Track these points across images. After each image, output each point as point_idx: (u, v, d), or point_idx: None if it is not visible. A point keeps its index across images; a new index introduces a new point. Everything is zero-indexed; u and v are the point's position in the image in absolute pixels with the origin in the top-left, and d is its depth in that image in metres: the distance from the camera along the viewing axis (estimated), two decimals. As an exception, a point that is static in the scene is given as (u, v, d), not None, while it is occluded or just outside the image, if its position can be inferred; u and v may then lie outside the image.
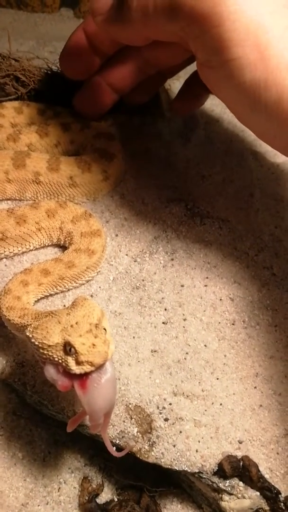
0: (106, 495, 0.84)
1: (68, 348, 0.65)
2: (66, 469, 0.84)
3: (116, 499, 0.83)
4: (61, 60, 1.15)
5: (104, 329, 0.68)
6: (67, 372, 0.66)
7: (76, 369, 0.64)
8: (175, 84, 1.54)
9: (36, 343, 0.68)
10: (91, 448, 0.86)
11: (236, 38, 0.74)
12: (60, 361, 0.66)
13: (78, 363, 0.64)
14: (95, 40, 1.07)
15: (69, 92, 1.22)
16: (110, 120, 1.30)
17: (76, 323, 0.67)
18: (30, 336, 0.69)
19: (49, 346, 0.66)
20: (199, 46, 0.80)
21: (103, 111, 1.22)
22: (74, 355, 0.65)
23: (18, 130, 1.17)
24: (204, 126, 1.45)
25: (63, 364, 0.66)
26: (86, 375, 0.65)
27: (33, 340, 0.68)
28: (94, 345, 0.64)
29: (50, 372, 0.67)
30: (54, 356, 0.66)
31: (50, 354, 0.66)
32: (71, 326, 0.67)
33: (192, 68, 1.23)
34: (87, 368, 0.64)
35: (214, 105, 1.52)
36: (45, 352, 0.67)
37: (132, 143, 1.30)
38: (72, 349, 0.65)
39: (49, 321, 0.69)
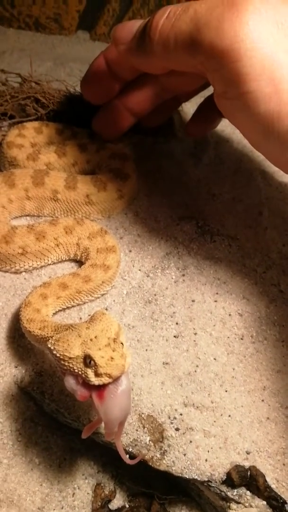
0: (118, 502, 0.87)
1: (88, 360, 0.69)
2: (80, 475, 0.87)
3: (127, 506, 0.87)
4: (82, 85, 1.21)
5: (122, 343, 0.72)
6: (86, 383, 0.70)
7: (95, 380, 0.69)
8: (186, 106, 1.60)
9: (58, 355, 0.72)
10: (104, 455, 0.89)
11: (253, 73, 0.79)
12: (80, 372, 0.70)
13: (97, 375, 0.69)
14: (115, 67, 1.12)
15: (87, 114, 1.28)
16: (125, 141, 1.35)
17: (95, 337, 0.71)
18: (52, 348, 0.73)
19: (70, 358, 0.71)
20: (217, 78, 0.85)
21: (121, 133, 1.27)
22: (93, 368, 0.69)
23: (37, 149, 1.23)
24: (215, 146, 1.50)
25: (83, 375, 0.70)
26: (103, 386, 0.69)
27: (54, 352, 0.73)
28: (112, 358, 0.69)
29: (70, 382, 0.71)
30: (75, 367, 0.70)
31: (71, 366, 0.71)
32: (91, 340, 0.71)
33: (205, 92, 1.29)
34: (105, 380, 0.68)
35: (224, 125, 1.57)
36: (66, 363, 0.71)
37: (145, 162, 1.36)
38: (92, 362, 0.69)
39: (70, 335, 0.73)
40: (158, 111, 1.25)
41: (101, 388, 0.70)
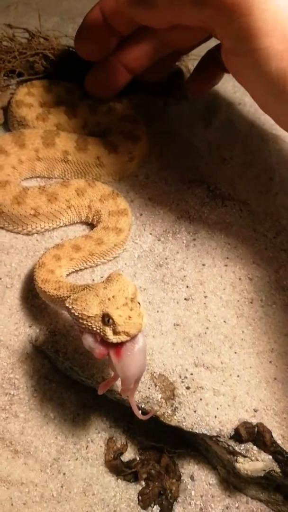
0: (129, 455, 0.91)
1: (106, 319, 0.71)
2: (93, 429, 0.91)
3: (138, 458, 0.91)
4: (76, 40, 1.13)
5: (138, 303, 0.73)
6: (104, 341, 0.72)
7: (113, 338, 0.70)
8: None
9: (76, 314, 0.73)
10: (116, 411, 0.93)
11: (265, 28, 0.76)
12: (98, 330, 0.72)
13: (115, 333, 0.70)
14: (112, 20, 1.04)
15: (84, 71, 1.21)
16: (135, 102, 1.32)
17: (113, 296, 0.72)
18: (70, 307, 0.75)
19: (89, 317, 0.72)
20: (226, 34, 0.82)
21: (116, 92, 1.20)
22: (111, 326, 0.70)
23: (47, 109, 1.21)
24: (226, 109, 1.47)
25: (101, 333, 0.71)
26: (121, 344, 0.71)
27: (73, 311, 0.74)
28: (130, 317, 0.70)
29: (88, 340, 0.73)
30: (93, 326, 0.72)
31: (89, 324, 0.72)
32: (109, 299, 0.72)
33: (207, 46, 1.23)
34: (123, 337, 0.70)
35: (236, 87, 1.53)
36: (85, 322, 0.73)
37: (156, 124, 1.33)
38: (110, 320, 0.70)
39: (88, 294, 0.74)
40: (156, 66, 1.17)
41: (118, 346, 0.71)
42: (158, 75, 1.28)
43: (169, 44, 1.10)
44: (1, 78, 1.26)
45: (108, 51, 1.11)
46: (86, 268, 1.00)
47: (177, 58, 1.28)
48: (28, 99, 1.21)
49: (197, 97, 1.38)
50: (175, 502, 0.88)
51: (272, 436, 0.84)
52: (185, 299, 0.99)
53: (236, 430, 0.84)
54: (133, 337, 0.71)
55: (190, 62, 1.53)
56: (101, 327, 0.72)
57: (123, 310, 0.71)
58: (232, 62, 0.88)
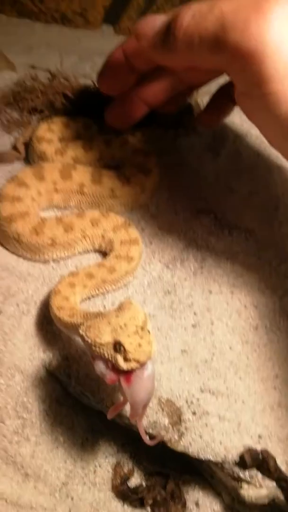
0: (135, 480, 0.94)
1: (117, 346, 0.74)
2: (101, 454, 0.94)
3: (144, 484, 0.93)
4: (99, 78, 1.22)
5: (148, 331, 0.77)
6: (114, 368, 0.76)
7: (124, 365, 0.74)
8: (207, 99, 1.63)
9: (89, 341, 0.78)
10: (124, 436, 0.96)
11: (276, 75, 0.82)
12: (109, 357, 0.76)
13: (126, 360, 0.74)
14: (133, 60, 1.12)
15: (100, 108, 1.29)
16: (147, 134, 1.40)
17: (124, 324, 0.77)
18: (83, 334, 0.79)
19: (101, 344, 0.76)
20: (240, 78, 0.88)
21: (133, 123, 1.28)
22: (122, 353, 0.74)
23: (65, 144, 1.28)
24: (233, 140, 1.53)
25: (112, 360, 0.75)
26: (131, 371, 0.75)
27: (86, 338, 0.78)
28: (140, 345, 0.74)
29: (100, 367, 0.77)
30: (105, 353, 0.76)
31: (101, 351, 0.76)
32: (120, 327, 0.76)
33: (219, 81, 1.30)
34: (133, 365, 0.74)
35: (243, 119, 1.59)
36: (97, 349, 0.77)
37: (166, 155, 1.40)
38: (122, 348, 0.74)
39: (100, 322, 0.78)
40: (169, 100, 1.25)
41: (128, 372, 0.75)
42: (170, 108, 1.35)
43: (185, 81, 1.18)
44: (24, 115, 1.35)
45: (128, 86, 1.20)
46: (98, 294, 1.05)
47: (190, 92, 1.36)
48: (48, 135, 1.29)
49: (209, 129, 1.46)
50: (181, 528, 0.90)
51: (276, 463, 0.85)
52: (192, 325, 1.03)
53: (241, 457, 0.86)
54: (142, 364, 0.75)
55: (200, 96, 1.61)
56: (113, 354, 0.76)
57: (133, 338, 0.75)
58: (244, 103, 0.94)
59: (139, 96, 1.21)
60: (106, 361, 0.77)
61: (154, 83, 1.19)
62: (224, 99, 1.26)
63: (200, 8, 0.87)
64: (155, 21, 0.97)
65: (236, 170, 1.42)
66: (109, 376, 0.77)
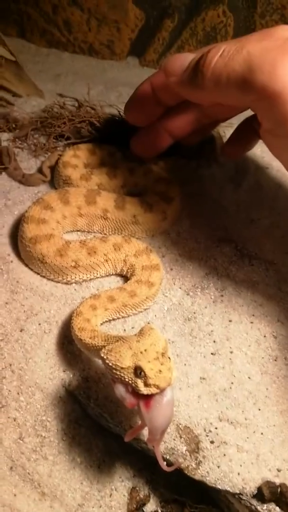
0: (151, 506, 0.93)
1: (138, 371, 0.76)
2: (117, 477, 0.94)
3: (160, 511, 0.92)
4: (126, 108, 1.27)
5: (169, 357, 0.78)
6: (134, 392, 0.77)
7: (144, 390, 0.75)
8: (228, 131, 1.68)
9: (110, 364, 0.79)
10: (140, 461, 0.95)
11: None
12: (130, 381, 0.77)
13: (146, 385, 0.75)
14: (160, 94, 1.17)
15: (125, 136, 1.34)
16: (171, 164, 1.43)
17: (145, 350, 0.78)
18: (105, 357, 0.80)
19: (122, 368, 0.77)
20: (267, 117, 0.92)
21: (158, 153, 1.32)
22: (143, 378, 0.75)
23: (90, 170, 1.33)
24: (254, 172, 1.56)
25: (133, 385, 0.76)
26: (151, 396, 0.76)
27: (107, 362, 0.80)
28: (160, 371, 0.75)
29: (120, 390, 0.78)
30: (125, 377, 0.77)
31: (122, 375, 0.77)
32: (141, 352, 0.78)
33: (243, 114, 1.35)
34: (153, 390, 0.75)
35: (264, 152, 1.63)
36: (118, 373, 0.78)
37: (188, 185, 1.43)
38: (142, 373, 0.75)
39: (122, 346, 0.80)
40: (194, 132, 1.29)
41: (148, 397, 0.76)
42: (194, 139, 1.39)
43: (211, 115, 1.23)
44: (51, 140, 1.40)
45: (154, 118, 1.24)
46: (118, 318, 1.07)
47: (215, 126, 1.39)
48: (74, 160, 1.34)
49: (232, 160, 1.49)
50: None
51: (295, 498, 0.84)
52: (211, 353, 1.03)
53: (259, 489, 0.85)
54: (162, 390, 0.76)
55: (222, 128, 1.65)
56: (133, 379, 0.77)
57: (154, 364, 0.76)
58: (270, 140, 0.97)
59: (165, 127, 1.25)
60: (126, 385, 0.78)
61: (179, 116, 1.23)
62: (248, 132, 1.29)
63: (228, 48, 0.91)
64: (184, 59, 1.01)
65: (257, 201, 1.44)
66: (129, 400, 0.78)
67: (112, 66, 2.02)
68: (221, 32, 1.85)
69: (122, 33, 1.99)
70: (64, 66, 1.98)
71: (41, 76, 1.87)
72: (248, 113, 1.28)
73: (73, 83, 1.85)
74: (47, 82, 1.84)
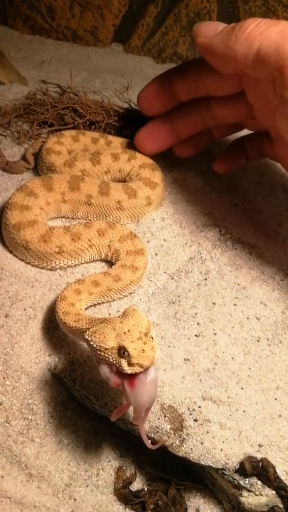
0: (137, 485, 0.95)
1: (122, 351, 0.77)
2: (104, 458, 0.95)
3: (146, 489, 0.94)
4: (141, 94, 1.29)
5: (151, 337, 0.80)
6: (119, 372, 0.78)
7: (128, 369, 0.76)
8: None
9: (94, 345, 0.80)
10: (126, 441, 0.97)
11: None
12: (114, 362, 0.78)
13: (130, 364, 0.76)
14: (176, 85, 1.22)
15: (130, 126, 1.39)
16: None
17: (128, 330, 0.79)
18: (89, 339, 0.82)
19: (106, 349, 0.79)
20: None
21: (159, 151, 1.35)
22: (126, 358, 0.77)
23: (73, 156, 1.32)
24: (238, 158, 1.58)
25: (117, 364, 0.78)
26: (134, 375, 0.77)
27: (91, 343, 0.81)
28: (143, 350, 0.76)
29: (105, 371, 0.79)
30: (110, 357, 0.78)
31: (106, 355, 0.79)
32: (124, 333, 0.79)
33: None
34: (137, 369, 0.76)
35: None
36: (102, 353, 0.79)
37: (172, 172, 1.44)
38: (126, 353, 0.77)
39: (105, 328, 0.81)
40: (192, 142, 1.35)
41: (132, 376, 0.77)
42: (190, 152, 1.40)
43: (217, 117, 1.27)
44: (34, 127, 1.40)
45: (164, 110, 1.28)
46: (103, 302, 1.08)
47: (211, 140, 1.40)
48: (57, 147, 1.33)
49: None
50: (180, 535, 0.91)
51: (275, 472, 0.87)
52: (195, 335, 1.05)
53: (241, 464, 0.87)
54: (146, 369, 0.77)
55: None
56: (117, 359, 0.78)
57: (137, 343, 0.77)
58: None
59: (172, 125, 1.29)
60: (110, 365, 0.79)
61: (188, 112, 1.28)
62: (239, 151, 1.36)
63: (265, 21, 0.98)
64: (218, 25, 1.06)
65: (241, 187, 1.46)
66: (113, 379, 0.79)
67: (96, 53, 2.01)
68: (205, 18, 1.85)
69: (106, 19, 1.97)
70: (48, 53, 1.96)
71: (24, 63, 1.85)
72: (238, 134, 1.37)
73: (57, 70, 1.84)
74: (30, 69, 1.83)
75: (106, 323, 0.83)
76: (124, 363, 0.77)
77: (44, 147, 1.34)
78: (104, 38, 2.03)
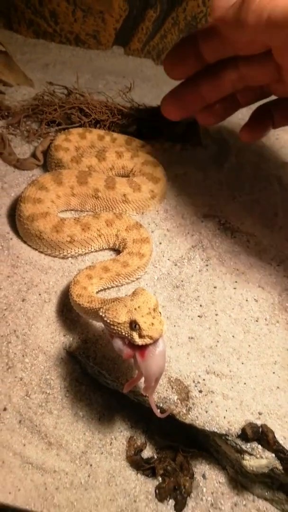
0: (147, 453, 1.02)
1: (133, 325, 0.85)
2: (116, 428, 1.03)
3: (155, 456, 1.02)
4: (166, 58, 1.24)
5: (160, 312, 0.88)
6: (131, 344, 0.86)
7: (139, 341, 0.84)
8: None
9: (108, 321, 0.88)
10: (137, 414, 1.05)
11: None
12: (126, 335, 0.86)
13: (141, 336, 0.84)
14: (203, 45, 1.17)
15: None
16: (158, 147, 1.52)
17: (139, 307, 0.87)
18: (103, 316, 0.89)
19: (119, 323, 0.86)
20: None
21: (186, 115, 1.30)
22: (137, 331, 0.84)
23: (80, 153, 1.41)
24: (236, 153, 1.66)
25: (129, 337, 0.86)
26: (145, 346, 0.85)
27: (105, 319, 0.89)
28: (153, 324, 0.84)
29: (118, 343, 0.87)
30: (122, 331, 0.86)
31: (119, 329, 0.86)
32: (135, 309, 0.87)
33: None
34: (147, 341, 0.84)
35: (245, 135, 1.72)
36: (115, 328, 0.87)
37: (174, 167, 1.52)
38: (137, 326, 0.84)
39: (118, 305, 0.89)
40: (217, 111, 1.30)
41: (143, 348, 0.85)
42: (215, 120, 1.35)
43: (245, 78, 1.22)
44: (43, 126, 1.48)
45: (190, 73, 1.24)
46: (113, 287, 1.16)
47: (237, 108, 1.34)
48: (65, 144, 1.42)
49: (216, 143, 1.52)
50: (188, 498, 0.98)
51: (274, 436, 0.95)
52: (198, 316, 1.13)
53: (243, 430, 0.95)
54: (155, 341, 0.85)
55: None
56: (129, 332, 0.86)
57: (147, 317, 0.85)
58: None
59: (200, 88, 1.24)
60: (123, 338, 0.87)
61: (216, 77, 1.23)
62: (265, 118, 1.32)
63: None
64: None
65: (239, 180, 1.54)
66: (126, 351, 0.87)
67: (98, 56, 2.09)
68: (201, 21, 1.93)
69: (107, 23, 2.06)
70: (52, 56, 2.04)
71: (30, 66, 1.93)
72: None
73: (61, 72, 1.92)
74: (36, 71, 1.91)
75: (118, 301, 0.91)
76: (135, 335, 0.85)
77: (53, 145, 1.42)
78: (105, 41, 2.11)
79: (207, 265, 1.24)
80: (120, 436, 1.02)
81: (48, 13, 2.06)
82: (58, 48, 2.09)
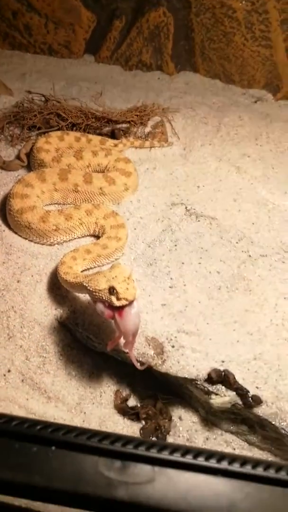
0: (132, 402, 1.21)
1: (112, 290, 1.03)
2: (104, 383, 1.22)
3: (139, 405, 1.21)
4: None
5: (133, 280, 1.07)
6: (110, 306, 1.04)
7: (117, 303, 1.02)
8: (176, 116, 1.97)
9: (91, 289, 1.06)
10: (121, 372, 1.24)
11: None
12: (106, 299, 1.05)
13: (118, 299, 1.02)
14: None
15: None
16: (128, 145, 1.71)
17: (116, 276, 1.05)
18: (87, 285, 1.08)
19: (100, 290, 1.05)
20: None
21: None
22: (115, 295, 1.03)
23: (60, 153, 1.59)
24: (199, 149, 1.87)
25: (108, 300, 1.04)
26: (122, 308, 1.03)
27: (89, 288, 1.07)
28: (127, 288, 1.03)
29: (100, 307, 1.06)
30: (103, 296, 1.05)
31: (100, 295, 1.05)
32: (113, 278, 1.05)
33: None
34: (123, 302, 1.02)
35: (207, 131, 1.94)
36: (97, 294, 1.05)
37: (144, 163, 1.72)
38: (115, 291, 1.03)
39: (98, 276, 1.07)
40: None
41: (120, 309, 1.04)
42: None
43: None
44: (25, 131, 1.65)
45: None
46: (95, 267, 1.35)
47: None
48: (46, 146, 1.59)
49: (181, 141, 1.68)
50: (167, 436, 1.18)
51: (235, 378, 1.15)
52: (169, 287, 1.33)
53: (209, 374, 1.15)
54: (130, 303, 1.04)
55: (171, 114, 1.95)
56: (108, 296, 1.04)
57: (123, 284, 1.04)
58: None
59: None
60: (104, 302, 1.06)
61: None
62: None
63: None
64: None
65: (202, 172, 1.75)
66: (107, 313, 1.05)
67: (71, 64, 2.26)
68: (163, 30, 2.13)
69: (77, 34, 2.24)
70: (28, 66, 2.21)
71: (8, 76, 2.10)
72: None
73: (37, 80, 2.09)
74: (14, 81, 2.07)
75: (99, 273, 1.10)
76: (114, 299, 1.03)
77: (35, 147, 1.60)
78: (77, 50, 2.29)
79: (175, 245, 1.44)
80: (108, 390, 1.21)
81: (22, 26, 2.23)
82: (33, 58, 2.26)
